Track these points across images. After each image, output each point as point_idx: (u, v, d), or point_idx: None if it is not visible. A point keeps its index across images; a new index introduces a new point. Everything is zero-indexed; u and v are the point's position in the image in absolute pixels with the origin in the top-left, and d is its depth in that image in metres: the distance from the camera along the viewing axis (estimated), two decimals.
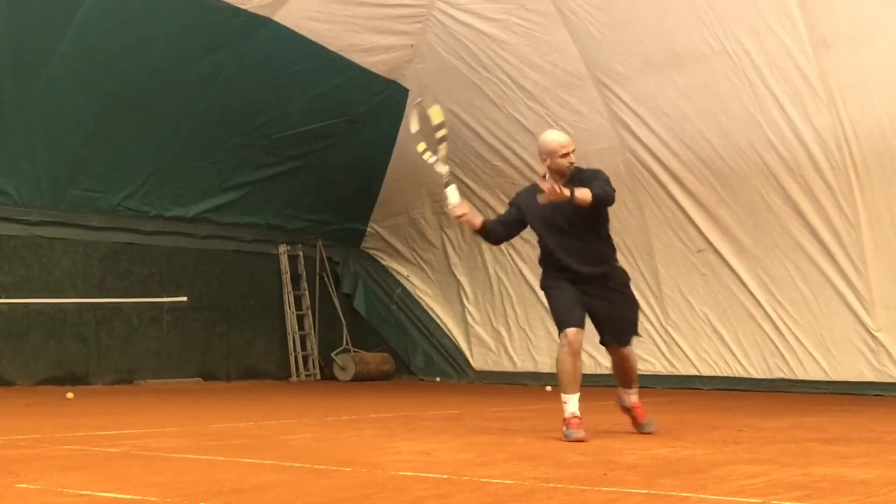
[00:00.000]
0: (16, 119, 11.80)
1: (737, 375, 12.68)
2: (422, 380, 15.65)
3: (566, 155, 6.53)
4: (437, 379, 15.46)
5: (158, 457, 5.40)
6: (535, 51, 12.77)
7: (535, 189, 6.62)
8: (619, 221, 13.37)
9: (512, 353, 14.87)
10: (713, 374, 12.88)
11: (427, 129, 6.88)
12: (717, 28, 11.42)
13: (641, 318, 13.36)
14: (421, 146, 6.89)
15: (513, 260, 14.77)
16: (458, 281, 15.50)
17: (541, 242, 6.76)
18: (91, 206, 13.11)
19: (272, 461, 5.17)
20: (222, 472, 4.79)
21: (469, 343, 15.40)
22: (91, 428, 7.16)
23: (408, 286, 16.10)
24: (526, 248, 14.58)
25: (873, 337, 11.67)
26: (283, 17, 12.24)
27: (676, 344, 13.21)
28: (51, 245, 12.97)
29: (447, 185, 6.78)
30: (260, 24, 12.20)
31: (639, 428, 6.80)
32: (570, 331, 6.47)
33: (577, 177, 6.54)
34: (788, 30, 11.04)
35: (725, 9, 11.29)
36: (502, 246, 14.80)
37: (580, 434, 6.21)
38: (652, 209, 13.04)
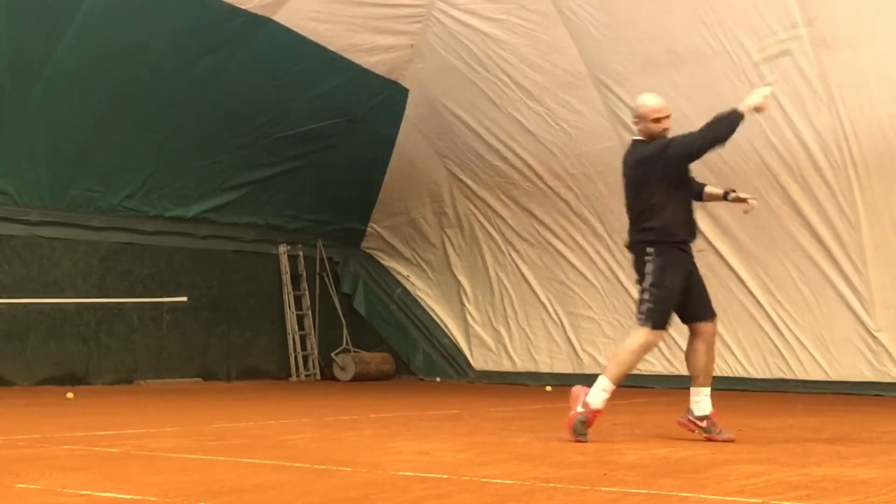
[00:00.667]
0: (16, 119, 11.80)
1: (737, 375, 12.68)
2: (422, 380, 15.66)
3: (658, 120, 6.45)
4: (438, 379, 15.47)
5: (158, 457, 5.40)
6: (536, 51, 12.77)
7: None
8: (619, 221, 13.38)
9: (512, 353, 14.87)
10: (713, 374, 12.85)
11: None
12: (717, 28, 11.42)
13: None
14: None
15: (513, 260, 14.77)
16: (458, 281, 15.50)
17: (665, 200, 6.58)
18: (91, 206, 13.11)
19: (272, 461, 5.17)
20: (222, 473, 4.79)
21: (469, 343, 15.40)
22: (91, 428, 7.16)
23: (408, 286, 16.10)
24: (526, 248, 14.60)
25: (873, 337, 11.67)
26: (284, 17, 12.24)
27: (676, 344, 13.18)
28: (51, 245, 12.97)
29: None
30: (260, 25, 12.20)
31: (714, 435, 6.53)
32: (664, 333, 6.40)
33: (668, 144, 6.44)
34: (788, 30, 11.03)
35: (725, 9, 11.29)
36: (502, 246, 14.84)
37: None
38: None
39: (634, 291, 13.53)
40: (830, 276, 11.88)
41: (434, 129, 14.53)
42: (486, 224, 14.97)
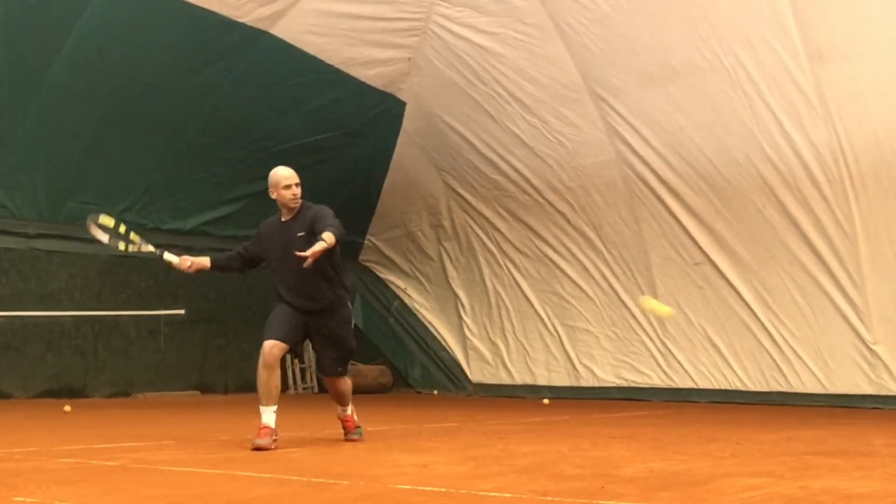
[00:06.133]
0: (13, 132, 11.81)
1: (734, 388, 12.68)
2: (419, 392, 15.64)
3: (288, 187, 6.94)
4: (435, 392, 15.45)
5: (156, 470, 5.39)
6: (532, 64, 12.80)
7: (276, 223, 7.09)
8: (616, 234, 13.43)
9: (509, 366, 14.86)
10: (711, 386, 12.88)
11: (114, 233, 7.23)
12: (713, 42, 11.45)
13: (639, 331, 13.50)
14: (122, 246, 7.23)
15: (510, 273, 14.78)
16: (455, 294, 15.50)
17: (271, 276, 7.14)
18: None
19: (270, 474, 5.17)
20: (220, 486, 4.79)
21: (466, 356, 15.39)
22: (88, 441, 7.15)
23: (405, 299, 16.10)
24: (523, 260, 14.61)
25: (870, 350, 11.66)
26: (281, 30, 12.28)
27: (674, 357, 13.20)
28: (48, 258, 12.97)
29: (161, 255, 7.30)
30: (257, 38, 12.24)
31: (347, 435, 7.22)
32: (268, 343, 6.76)
33: (305, 213, 6.97)
34: (784, 43, 11.07)
35: (721, 23, 11.32)
36: (499, 259, 14.84)
37: (265, 442, 6.50)
38: (649, 222, 13.06)
39: (632, 304, 13.68)
40: (827, 289, 11.88)
41: (431, 143, 14.55)
42: (484, 237, 14.98)
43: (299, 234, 6.85)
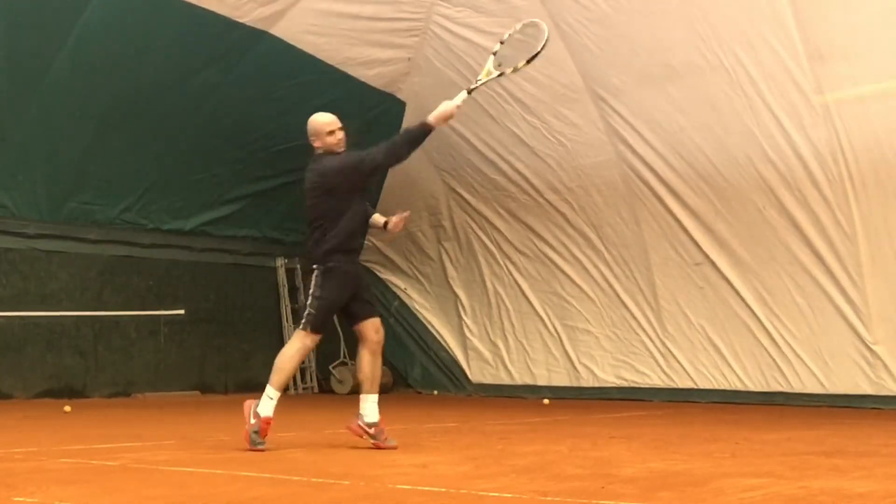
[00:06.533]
0: (13, 132, 11.81)
1: (734, 388, 12.68)
2: (419, 393, 15.64)
3: (332, 132, 6.76)
4: (435, 392, 15.45)
5: (156, 470, 5.39)
6: (532, 64, 12.77)
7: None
8: (616, 234, 13.43)
9: (509, 366, 14.86)
10: (711, 387, 12.87)
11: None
12: (712, 42, 11.45)
13: (639, 331, 13.50)
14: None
15: (510, 273, 14.77)
16: (455, 294, 15.50)
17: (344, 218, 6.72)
18: (88, 219, 13.11)
19: (270, 474, 5.17)
20: (220, 486, 4.79)
21: (466, 356, 15.39)
22: (88, 441, 7.15)
23: (405, 299, 16.10)
24: (523, 260, 14.61)
25: (870, 350, 11.66)
26: (281, 30, 12.27)
27: (674, 357, 13.20)
28: (48, 258, 12.97)
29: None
30: (257, 38, 12.23)
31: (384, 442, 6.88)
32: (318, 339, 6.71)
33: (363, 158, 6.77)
34: (784, 43, 11.06)
35: (721, 23, 11.32)
36: (499, 259, 14.84)
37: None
38: (649, 222, 13.06)
39: (632, 304, 13.69)
40: (827, 289, 11.88)
41: (431, 143, 14.46)
42: (484, 237, 14.98)
43: None
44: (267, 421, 6.49)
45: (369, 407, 6.77)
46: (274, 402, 6.56)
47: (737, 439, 7.37)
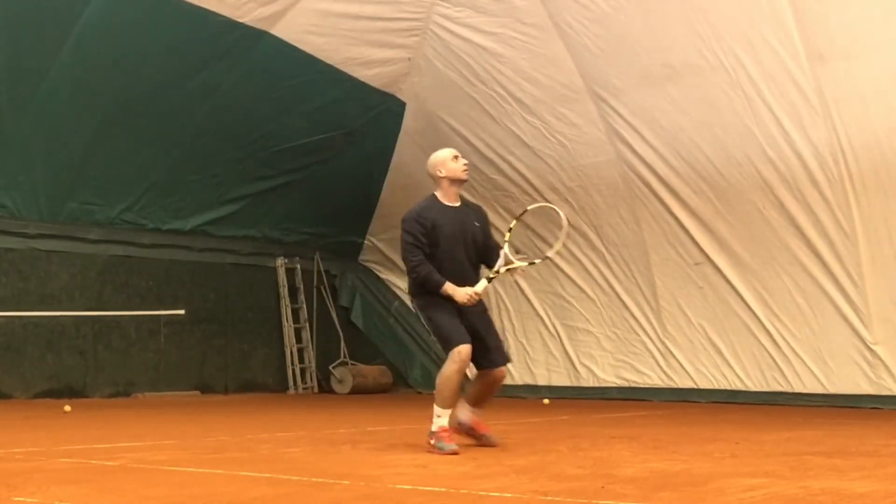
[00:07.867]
0: (13, 132, 11.81)
1: (734, 388, 12.68)
2: (419, 392, 15.63)
3: (457, 158, 6.91)
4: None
5: (156, 470, 5.39)
6: (532, 64, 12.80)
7: (442, 208, 6.93)
8: (617, 235, 13.42)
9: (509, 366, 14.82)
10: (711, 387, 12.88)
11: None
12: (713, 42, 11.45)
13: (639, 331, 13.50)
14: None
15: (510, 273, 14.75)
16: None
17: (433, 259, 6.74)
18: (89, 219, 13.11)
19: (270, 474, 5.16)
20: (220, 486, 4.79)
21: None
22: (88, 441, 7.15)
23: (405, 299, 16.09)
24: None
25: (870, 350, 11.67)
26: (281, 30, 12.28)
27: (674, 357, 13.20)
28: (48, 258, 12.96)
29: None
30: (258, 38, 12.23)
31: (486, 440, 6.91)
32: (465, 347, 6.66)
33: (468, 203, 7.05)
34: (784, 43, 11.07)
35: (721, 23, 11.32)
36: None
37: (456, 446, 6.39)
38: (649, 222, 13.06)
39: (632, 304, 13.65)
40: (827, 290, 11.88)
41: (431, 143, 14.50)
42: None
43: (476, 224, 6.87)
44: (444, 429, 6.46)
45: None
46: (443, 419, 6.52)
47: (737, 439, 7.37)
